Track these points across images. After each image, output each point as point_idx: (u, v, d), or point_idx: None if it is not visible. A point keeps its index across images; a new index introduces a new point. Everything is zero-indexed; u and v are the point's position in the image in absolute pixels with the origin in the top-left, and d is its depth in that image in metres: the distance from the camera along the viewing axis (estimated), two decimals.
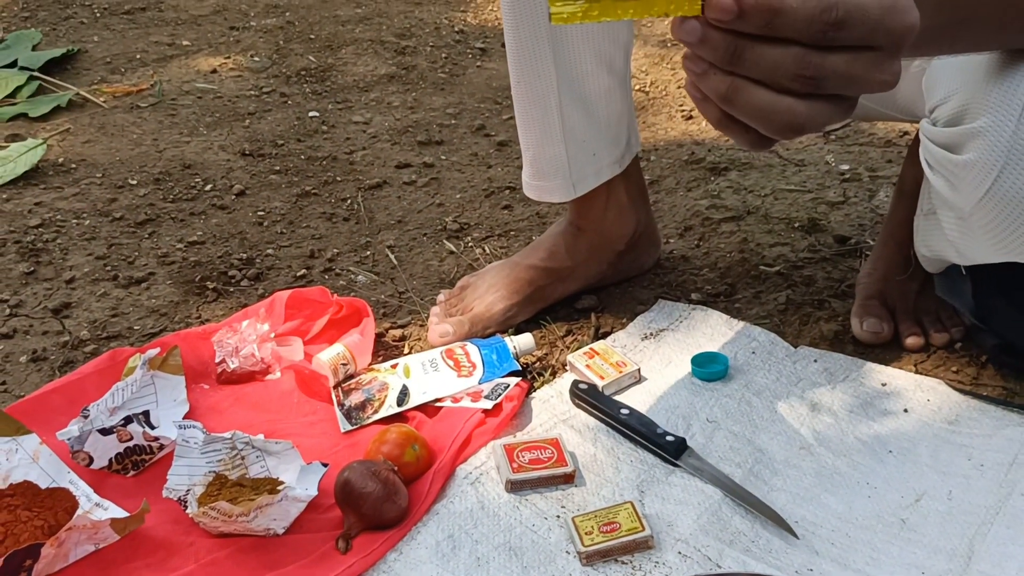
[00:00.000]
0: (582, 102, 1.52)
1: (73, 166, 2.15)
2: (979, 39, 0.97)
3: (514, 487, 1.28)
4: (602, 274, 1.66)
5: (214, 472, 1.25)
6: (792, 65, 0.73)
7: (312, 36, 2.83)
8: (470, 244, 1.85)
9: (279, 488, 1.22)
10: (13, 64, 2.57)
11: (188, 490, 1.24)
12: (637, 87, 2.43)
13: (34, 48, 2.69)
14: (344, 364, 1.47)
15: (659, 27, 2.78)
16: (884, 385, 1.42)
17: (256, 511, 1.19)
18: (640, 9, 0.73)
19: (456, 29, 2.85)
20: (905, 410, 1.38)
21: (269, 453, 1.28)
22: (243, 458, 1.28)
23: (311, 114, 2.38)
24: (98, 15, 2.98)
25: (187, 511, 1.23)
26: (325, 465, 1.27)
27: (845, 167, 2.01)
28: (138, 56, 2.70)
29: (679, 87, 2.42)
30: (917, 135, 1.56)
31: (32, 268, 1.80)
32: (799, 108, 0.75)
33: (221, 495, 1.22)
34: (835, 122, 0.79)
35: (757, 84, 0.74)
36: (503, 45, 1.57)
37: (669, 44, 2.67)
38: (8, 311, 1.69)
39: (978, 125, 1.07)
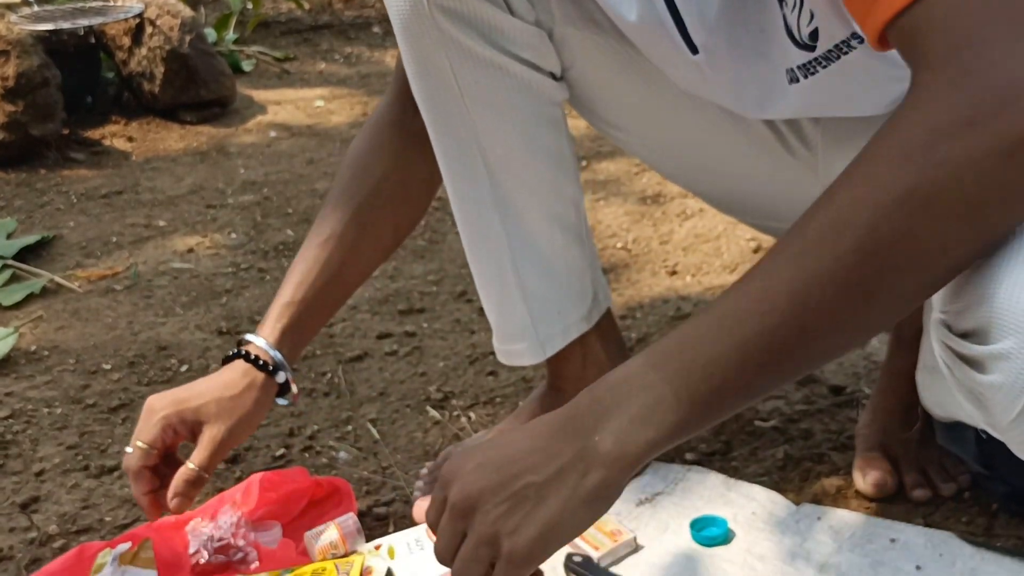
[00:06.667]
0: (537, 261, 1.48)
1: (46, 353, 2.09)
2: (775, 384, 0.94)
3: None
4: None
5: None
6: None
7: (289, 210, 2.82)
8: (456, 413, 1.79)
9: None
10: None
11: None
12: (619, 245, 2.41)
13: (8, 236, 2.67)
14: (334, 552, 1.40)
15: (637, 184, 2.77)
16: (893, 541, 1.35)
17: None
18: None
19: (436, 195, 2.83)
20: (917, 567, 1.31)
21: None
22: None
23: None
24: (74, 201, 2.97)
25: None
26: None
27: None
28: (114, 239, 2.67)
29: (661, 243, 2.40)
30: None
31: (1, 461, 1.74)
32: None
33: None
34: None
35: None
36: None
37: (649, 201, 2.66)
38: None
39: (1002, 347, 1.02)
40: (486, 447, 0.95)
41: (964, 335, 1.08)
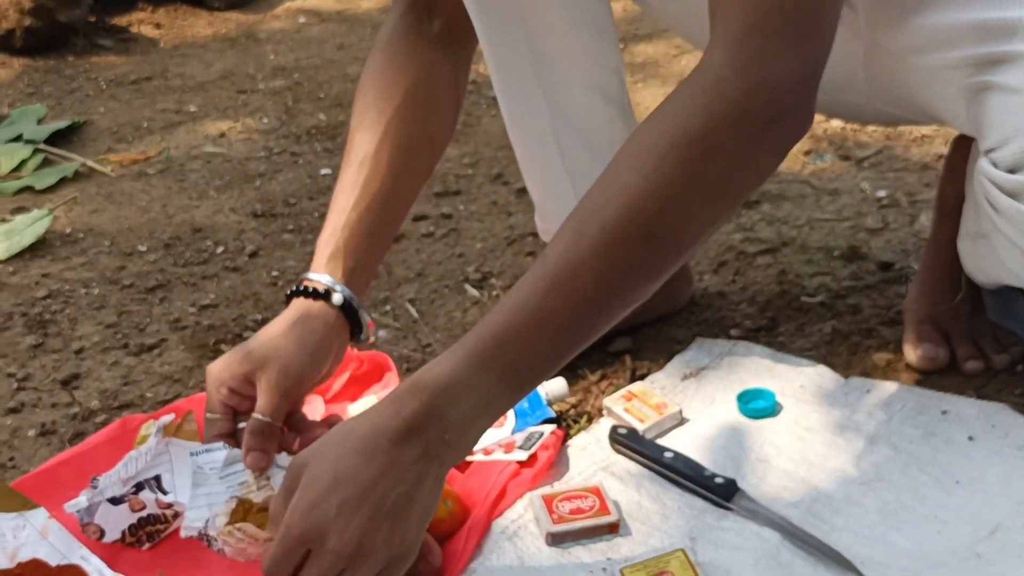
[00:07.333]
0: (581, 135, 1.45)
1: (80, 236, 2.08)
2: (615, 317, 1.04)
3: (555, 539, 1.19)
4: (633, 313, 1.57)
5: (236, 498, 1.15)
6: None
7: (321, 95, 2.78)
8: (495, 293, 1.77)
9: None
10: (18, 139, 2.53)
11: (207, 522, 1.13)
12: None
13: (39, 122, 2.65)
14: None
15: (676, 66, 2.72)
16: (945, 413, 1.33)
17: None
18: None
19: (469, 79, 2.79)
20: (970, 438, 1.29)
21: None
22: (268, 478, 1.19)
23: (323, 172, 2.32)
24: (104, 87, 2.94)
25: (209, 541, 1.13)
26: None
27: (882, 193, 1.93)
28: (145, 124, 2.65)
29: None
30: (951, 153, 1.49)
31: (40, 340, 1.73)
32: None
33: (248, 522, 1.12)
34: None
35: None
36: None
37: None
38: (16, 385, 1.62)
39: None
40: (336, 482, 0.98)
41: (1010, 171, 1.07)
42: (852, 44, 1.30)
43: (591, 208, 1.01)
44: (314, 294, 1.26)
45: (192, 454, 1.21)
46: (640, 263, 1.00)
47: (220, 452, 1.20)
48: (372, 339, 1.34)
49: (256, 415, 1.20)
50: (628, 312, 1.03)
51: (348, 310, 1.28)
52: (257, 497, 1.17)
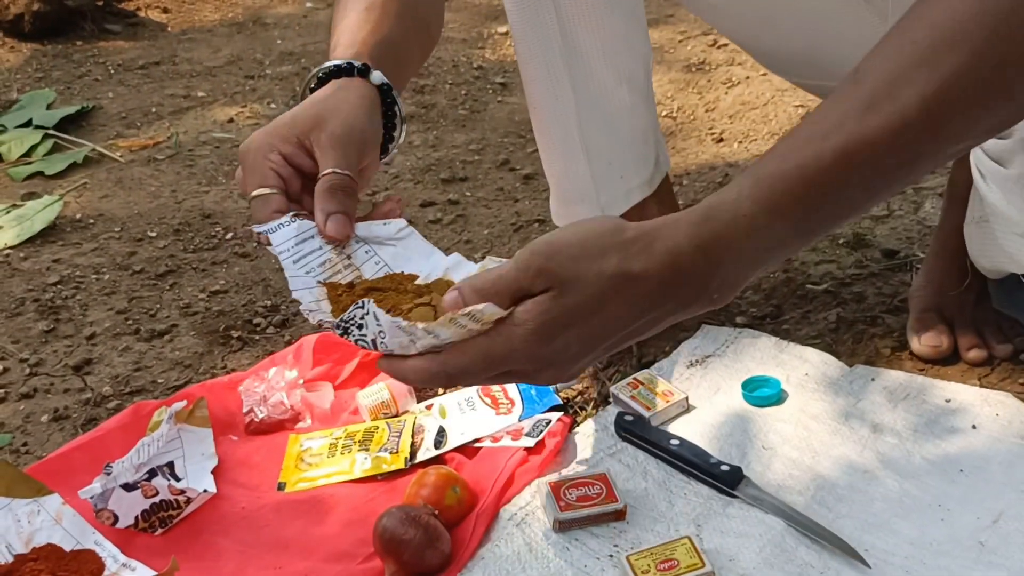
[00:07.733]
0: (604, 121, 1.45)
1: (91, 221, 2.10)
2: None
3: (562, 527, 1.21)
4: None
5: (320, 282, 0.99)
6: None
7: None
8: None
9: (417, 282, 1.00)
10: (28, 124, 2.53)
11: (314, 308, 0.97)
12: (664, 113, 2.37)
13: (48, 107, 2.66)
14: (385, 412, 1.41)
15: (682, 52, 2.72)
16: (948, 401, 1.34)
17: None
18: None
19: (475, 66, 2.80)
20: (973, 426, 1.30)
21: (381, 242, 1.04)
22: (350, 256, 1.02)
23: None
24: (112, 72, 2.95)
25: (345, 330, 0.91)
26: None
27: None
28: (153, 110, 2.66)
29: (707, 111, 2.36)
30: None
31: (51, 326, 1.75)
32: None
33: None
34: None
35: None
36: None
37: (694, 69, 2.61)
38: (28, 370, 1.63)
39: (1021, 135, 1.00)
40: (584, 320, 0.86)
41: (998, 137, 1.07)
42: (878, 30, 1.31)
43: (916, 12, 0.81)
44: (349, 70, 1.09)
45: (257, 232, 1.01)
46: (977, 72, 0.77)
47: (287, 227, 0.99)
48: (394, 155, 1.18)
49: (329, 169, 1.01)
50: (956, 155, 0.84)
51: (385, 98, 1.11)
52: (344, 277, 1.01)
